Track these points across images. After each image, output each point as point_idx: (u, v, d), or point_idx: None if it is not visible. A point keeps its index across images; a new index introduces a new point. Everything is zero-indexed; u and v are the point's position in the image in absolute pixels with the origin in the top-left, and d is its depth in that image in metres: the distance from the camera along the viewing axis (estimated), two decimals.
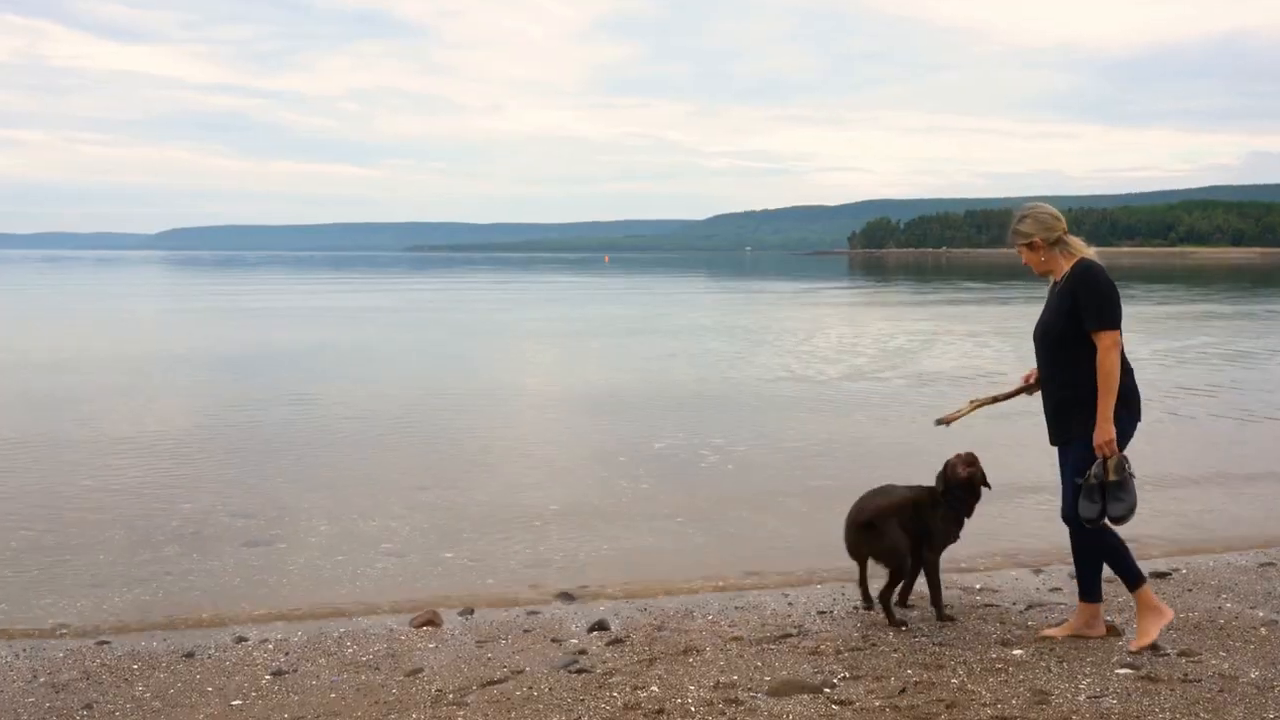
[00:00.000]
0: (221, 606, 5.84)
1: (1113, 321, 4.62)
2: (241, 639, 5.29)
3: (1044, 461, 9.45)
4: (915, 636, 5.04)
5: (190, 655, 5.01)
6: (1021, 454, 9.95)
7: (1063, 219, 4.85)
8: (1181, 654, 4.69)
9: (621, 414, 12.51)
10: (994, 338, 22.13)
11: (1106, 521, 4.68)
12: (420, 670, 4.75)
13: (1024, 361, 17.79)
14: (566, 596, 6.01)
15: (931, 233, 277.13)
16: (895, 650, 4.82)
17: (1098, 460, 4.59)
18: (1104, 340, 4.58)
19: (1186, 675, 4.41)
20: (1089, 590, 4.92)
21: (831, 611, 5.56)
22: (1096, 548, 4.81)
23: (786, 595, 5.97)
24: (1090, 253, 4.81)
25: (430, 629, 5.40)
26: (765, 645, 4.94)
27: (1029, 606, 5.58)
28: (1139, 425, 4.77)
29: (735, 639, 5.06)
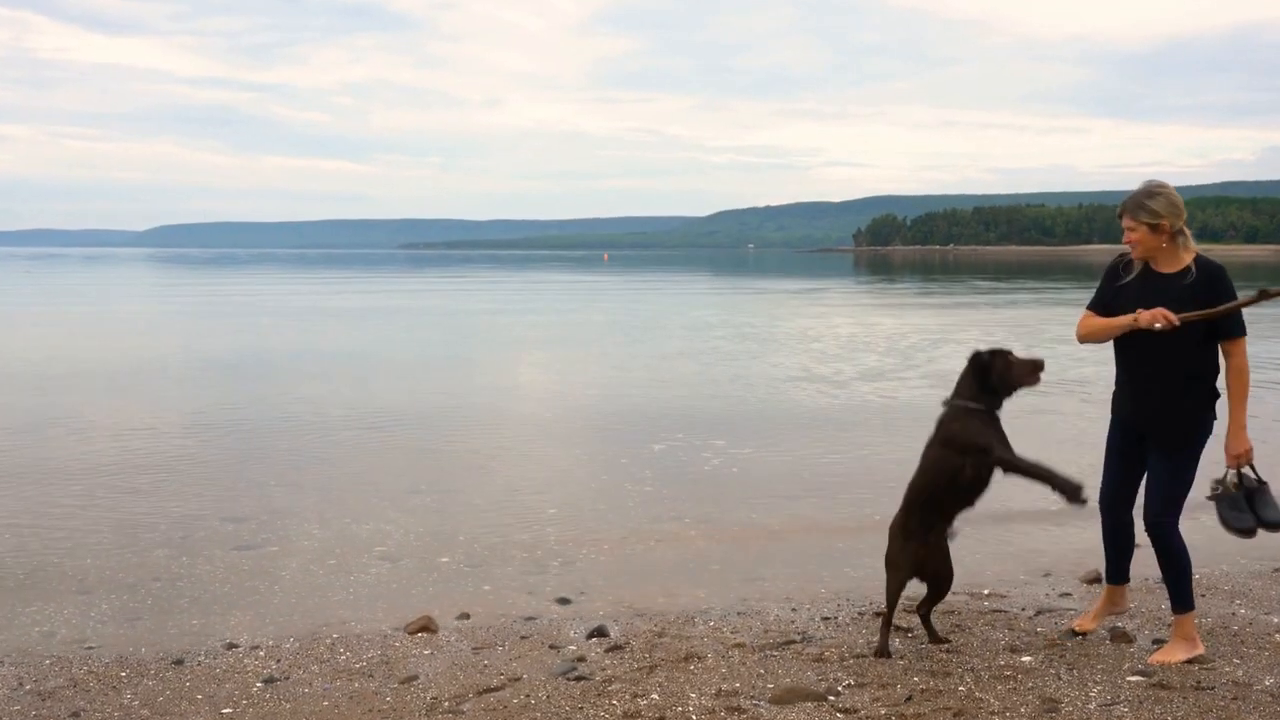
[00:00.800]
0: (211, 612, 5.84)
1: (1242, 328, 4.56)
2: (232, 646, 5.29)
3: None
4: (921, 643, 5.04)
5: (179, 662, 5.01)
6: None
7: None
8: (1193, 660, 4.69)
9: (621, 415, 12.51)
10: (1010, 338, 22.13)
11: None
12: (415, 678, 4.75)
13: (1058, 362, 17.60)
14: (565, 602, 6.01)
15: (939, 229, 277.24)
16: (901, 657, 4.82)
17: (1230, 470, 4.57)
18: (1241, 345, 4.53)
19: (1199, 683, 4.41)
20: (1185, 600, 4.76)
21: (836, 618, 5.56)
22: (1180, 553, 4.74)
23: (790, 601, 5.97)
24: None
25: (425, 635, 5.40)
26: (768, 652, 4.94)
27: (1038, 612, 5.58)
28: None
29: (737, 646, 5.06)
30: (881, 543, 6.40)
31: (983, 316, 29.40)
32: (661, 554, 7.00)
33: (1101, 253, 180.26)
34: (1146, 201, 4.57)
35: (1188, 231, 4.65)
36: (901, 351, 19.46)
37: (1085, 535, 7.36)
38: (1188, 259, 4.62)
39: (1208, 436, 4.61)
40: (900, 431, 11.18)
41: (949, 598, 5.90)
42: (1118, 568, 5.07)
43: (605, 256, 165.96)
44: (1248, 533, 4.61)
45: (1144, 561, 6.75)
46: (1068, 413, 12.38)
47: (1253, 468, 4.60)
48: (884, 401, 13.36)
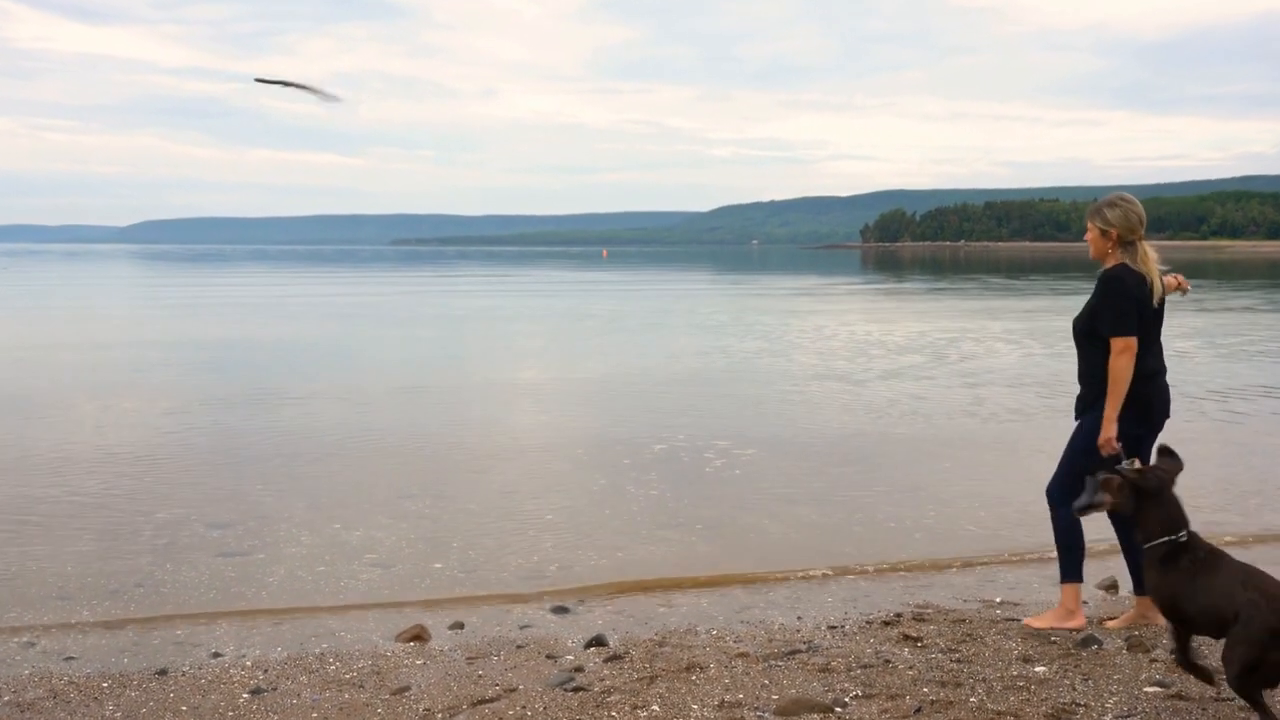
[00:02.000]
0: (196, 621, 5.84)
1: (1123, 329, 5.13)
2: (217, 655, 5.29)
3: (1049, 474, 9.46)
4: (931, 653, 5.04)
5: (163, 673, 5.01)
6: (1048, 463, 9.94)
7: (1145, 224, 5.31)
8: (1214, 670, 4.68)
9: (621, 417, 12.52)
10: (1027, 338, 22.11)
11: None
12: (407, 688, 4.75)
13: (1064, 361, 17.67)
14: (562, 610, 6.01)
15: (949, 225, 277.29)
16: (910, 668, 4.82)
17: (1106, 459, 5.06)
18: (1115, 345, 5.13)
19: (1219, 694, 4.41)
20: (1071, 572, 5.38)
21: (843, 626, 5.57)
22: (1059, 525, 5.38)
23: (795, 609, 5.97)
24: (1151, 268, 5.25)
25: (417, 645, 5.40)
26: (772, 662, 4.95)
27: None
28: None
29: (741, 655, 5.06)
30: (888, 548, 6.42)
31: (1001, 317, 29.39)
32: (662, 560, 7.00)
33: None
34: (1104, 209, 5.29)
35: (1141, 247, 5.27)
36: (912, 350, 19.46)
37: (1100, 544, 7.36)
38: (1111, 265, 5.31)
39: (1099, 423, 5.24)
40: (911, 433, 11.18)
41: (959, 605, 5.92)
42: (1080, 570, 5.45)
43: (604, 253, 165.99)
44: (1080, 511, 4.87)
45: None
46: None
47: (1123, 458, 5.00)
48: (895, 402, 13.36)
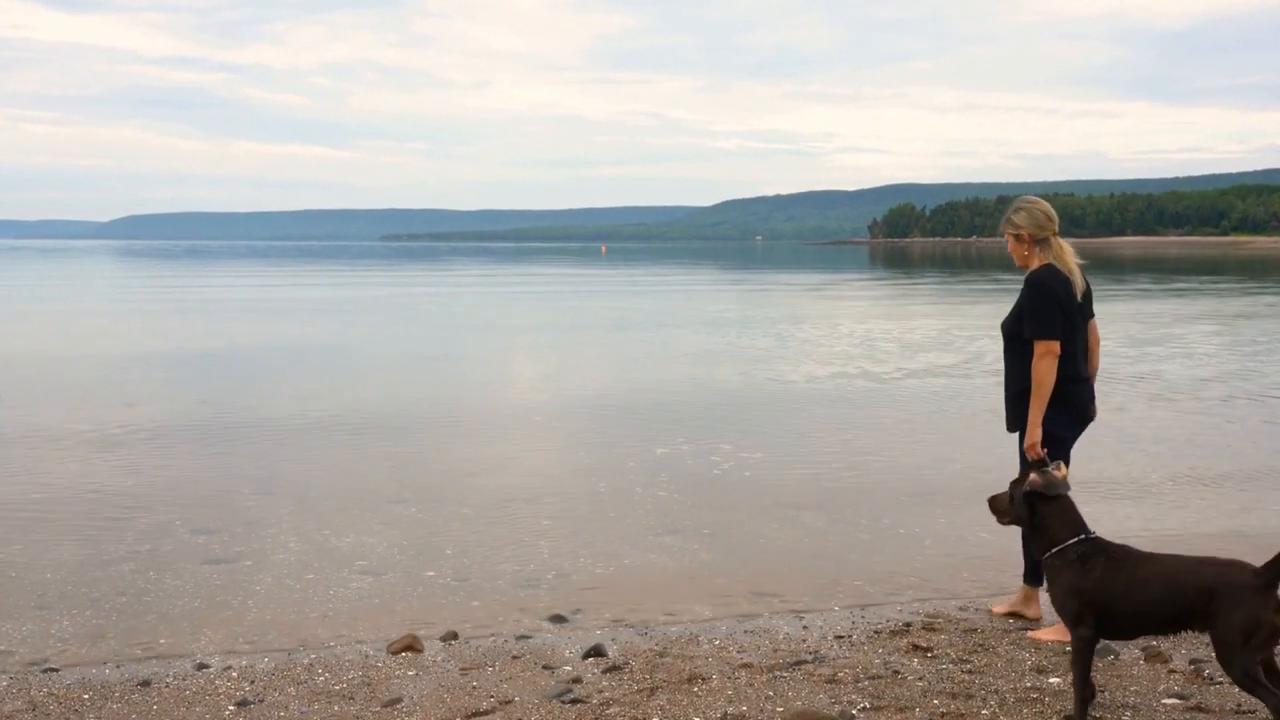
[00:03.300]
0: (180, 630, 5.84)
1: (1047, 332, 5.32)
2: (203, 666, 5.29)
3: (1076, 486, 9.47)
4: (941, 664, 5.05)
5: (146, 684, 5.02)
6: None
7: (1055, 221, 5.50)
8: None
9: (622, 419, 12.52)
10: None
11: None
12: (399, 700, 4.75)
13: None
14: (559, 619, 6.01)
15: (960, 220, 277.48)
16: (920, 679, 4.82)
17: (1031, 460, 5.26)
18: (1038, 349, 5.33)
19: (1240, 706, 4.42)
20: (1033, 573, 5.63)
21: (850, 636, 5.57)
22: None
23: (801, 619, 5.97)
24: (1073, 262, 5.48)
25: (409, 655, 5.40)
26: (777, 673, 4.95)
27: None
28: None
29: (744, 666, 5.07)
30: (895, 554, 6.43)
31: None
32: (663, 567, 7.00)
33: (1135, 245, 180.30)
34: (1011, 216, 5.55)
35: (1056, 242, 5.50)
36: (925, 349, 19.47)
37: None
38: (1037, 266, 5.51)
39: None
40: (922, 436, 11.19)
41: (970, 615, 5.93)
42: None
43: (603, 249, 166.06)
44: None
45: None
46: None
47: (1048, 462, 5.12)
48: (903, 403, 13.36)
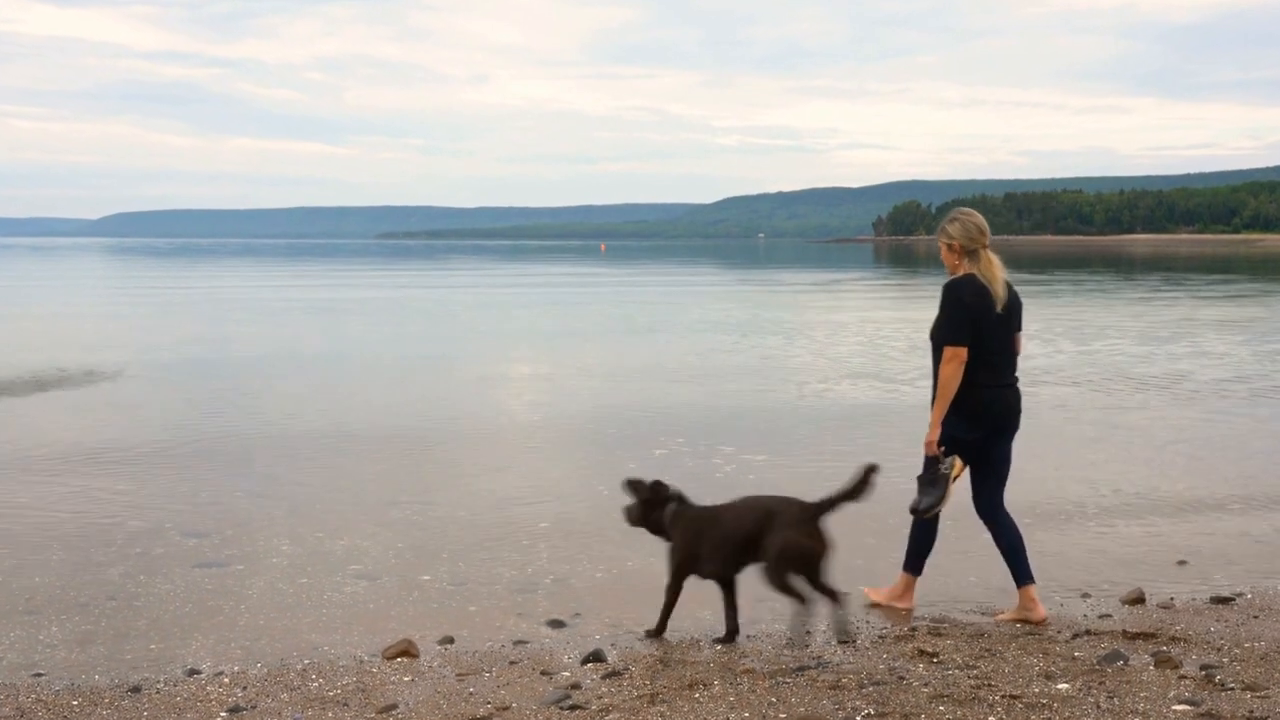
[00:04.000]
0: (171, 636, 5.84)
1: (954, 338, 5.70)
2: (194, 672, 5.29)
3: (1083, 486, 9.47)
4: (947, 669, 5.04)
5: (137, 690, 5.01)
6: (1060, 479, 9.99)
7: (987, 235, 5.85)
8: (1247, 688, 4.69)
9: (622, 420, 12.51)
10: (1063, 339, 22.08)
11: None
12: (394, 707, 4.75)
13: (1089, 361, 17.66)
14: (558, 624, 6.01)
15: None
16: (926, 685, 4.82)
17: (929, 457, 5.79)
18: (945, 353, 5.72)
19: (1252, 712, 4.41)
20: (1023, 574, 5.93)
21: (854, 642, 5.56)
22: (915, 524, 6.08)
23: (803, 623, 5.96)
24: (998, 275, 5.79)
25: (405, 660, 5.40)
26: (780, 679, 4.94)
27: (1076, 635, 5.58)
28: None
29: (746, 672, 5.06)
30: (901, 558, 6.42)
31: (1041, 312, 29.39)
32: (664, 571, 6.98)
33: (1145, 243, 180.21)
34: (946, 225, 5.91)
35: (985, 255, 5.81)
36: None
37: (1126, 552, 7.38)
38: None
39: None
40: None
41: (978, 620, 5.93)
42: (1024, 569, 5.95)
43: (602, 247, 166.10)
44: (915, 512, 5.92)
45: (1183, 579, 6.77)
46: (1165, 412, 12.37)
47: (942, 461, 5.75)
48: (911, 404, 13.35)
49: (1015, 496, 8.79)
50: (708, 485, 9.31)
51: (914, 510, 5.91)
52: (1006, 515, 6.01)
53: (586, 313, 31.17)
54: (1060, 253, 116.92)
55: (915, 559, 6.16)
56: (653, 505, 5.66)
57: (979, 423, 5.82)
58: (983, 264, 5.80)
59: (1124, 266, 70.36)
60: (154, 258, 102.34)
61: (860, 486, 5.36)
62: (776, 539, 5.28)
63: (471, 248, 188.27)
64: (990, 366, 5.78)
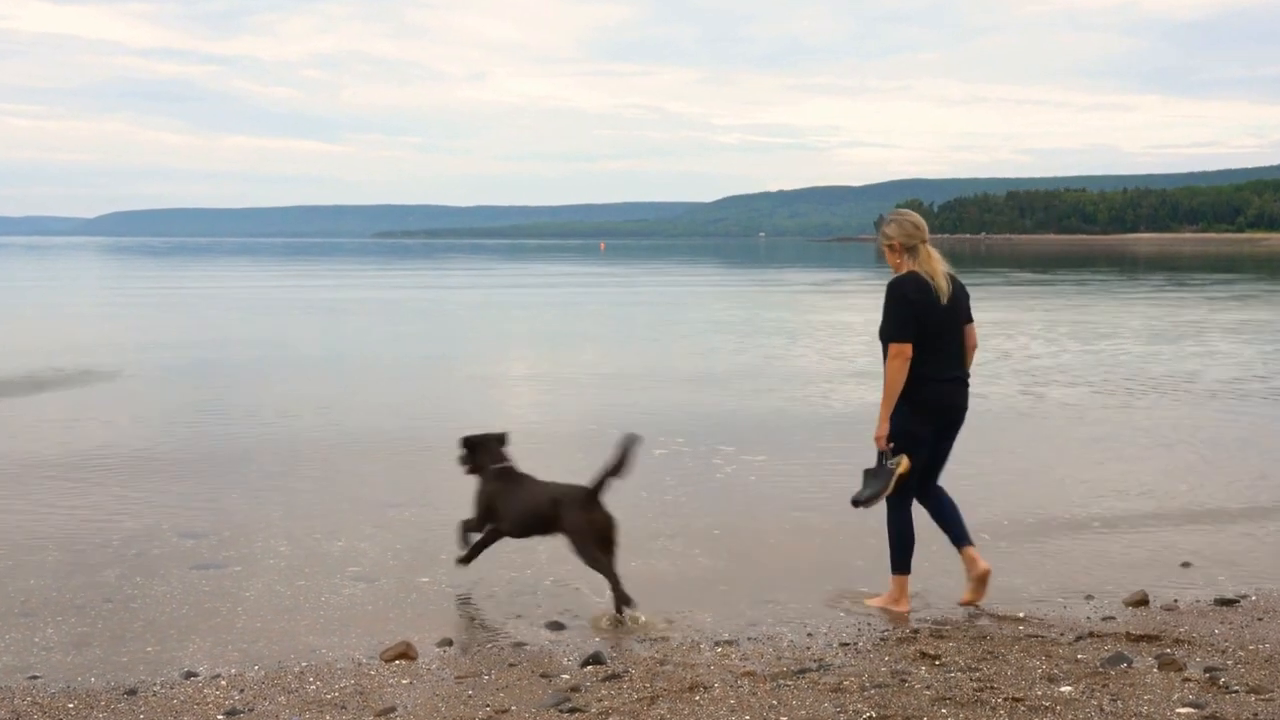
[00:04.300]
0: (168, 638, 5.84)
1: (897, 335, 5.90)
2: (191, 674, 5.29)
3: (1087, 487, 9.47)
4: (950, 672, 5.04)
5: (133, 693, 5.02)
6: (1064, 479, 9.99)
7: (924, 231, 6.06)
8: (1251, 691, 4.69)
9: (623, 420, 12.47)
10: (1069, 339, 22.10)
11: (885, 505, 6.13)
12: (393, 709, 4.75)
13: (1095, 361, 17.63)
14: (557, 627, 6.01)
15: (969, 216, 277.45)
16: (928, 687, 4.82)
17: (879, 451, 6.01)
18: (890, 350, 5.92)
19: (1256, 715, 4.41)
20: (963, 538, 6.24)
21: (856, 644, 5.57)
22: (891, 520, 6.20)
23: (805, 625, 5.97)
24: (939, 268, 6.01)
25: (403, 663, 5.40)
26: (781, 681, 4.95)
27: (1079, 638, 5.58)
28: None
29: (747, 674, 5.07)
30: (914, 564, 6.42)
31: (1048, 310, 29.41)
32: (664, 572, 7.00)
33: (1149, 242, 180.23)
34: (884, 226, 6.15)
35: (924, 250, 6.02)
36: None
37: (1130, 554, 7.38)
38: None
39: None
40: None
41: (979, 622, 5.93)
42: (961, 531, 6.25)
43: (602, 246, 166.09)
44: (856, 503, 6.12)
45: (1187, 581, 6.77)
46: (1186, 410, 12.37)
47: (887, 454, 6.00)
48: None
49: (1019, 497, 8.84)
50: (708, 485, 9.33)
51: (855, 501, 6.10)
52: (939, 488, 6.33)
53: (586, 313, 31.16)
54: (1063, 252, 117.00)
55: (901, 559, 6.24)
56: (481, 460, 6.72)
57: (933, 416, 6.05)
58: (922, 259, 6.02)
59: (1128, 265, 70.37)
60: (150, 257, 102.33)
61: (622, 459, 6.19)
62: (573, 519, 6.11)
63: (469, 247, 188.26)
64: (940, 360, 6.00)
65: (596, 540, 6.07)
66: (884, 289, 6.02)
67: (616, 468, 6.17)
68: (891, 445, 5.97)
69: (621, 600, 5.96)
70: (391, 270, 67.46)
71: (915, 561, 6.28)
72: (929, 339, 5.93)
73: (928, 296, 5.93)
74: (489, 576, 6.88)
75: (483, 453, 6.70)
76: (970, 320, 6.21)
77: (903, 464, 5.96)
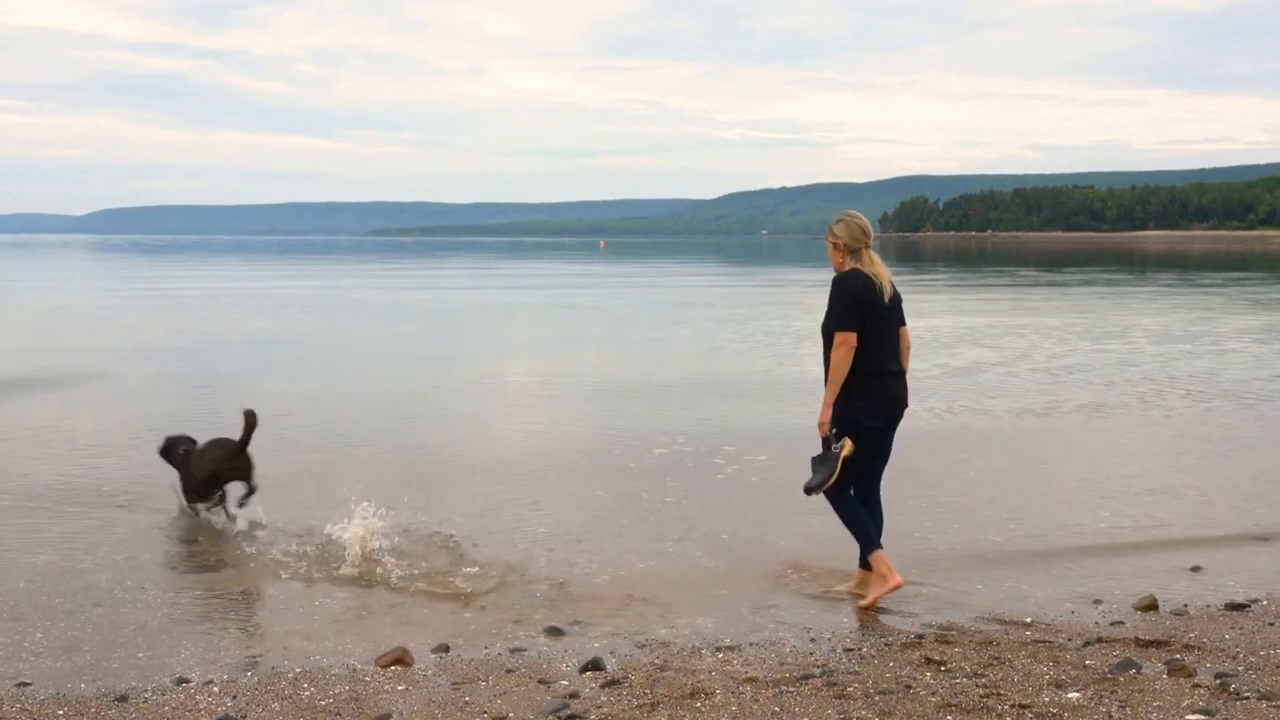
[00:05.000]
0: (159, 643, 5.84)
1: (844, 325, 6.28)
2: (183, 680, 5.29)
3: (1094, 489, 9.47)
4: (956, 678, 5.04)
5: (124, 699, 5.02)
6: (1071, 481, 10.00)
7: (870, 236, 6.48)
8: (1262, 697, 4.69)
9: (623, 421, 12.51)
10: (1077, 337, 22.10)
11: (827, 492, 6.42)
12: (388, 716, 4.75)
13: (1107, 362, 17.57)
14: (556, 632, 6.01)
15: (975, 213, 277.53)
16: (933, 694, 4.82)
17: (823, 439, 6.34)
18: (836, 339, 6.31)
19: None
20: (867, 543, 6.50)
21: (860, 649, 5.57)
22: (838, 511, 6.54)
23: (808, 630, 5.97)
24: (878, 271, 6.41)
25: (399, 669, 5.40)
26: (784, 687, 4.95)
27: (1087, 643, 5.58)
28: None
29: (749, 680, 5.07)
30: (908, 563, 6.41)
31: (1054, 309, 29.41)
32: (665, 576, 7.00)
33: (1158, 240, 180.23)
34: (833, 226, 6.56)
35: (866, 254, 6.44)
36: (940, 347, 19.47)
37: (1138, 559, 7.38)
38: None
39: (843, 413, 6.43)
40: (936, 437, 11.17)
41: (986, 628, 5.93)
42: (875, 537, 6.52)
43: (601, 244, 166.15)
44: (808, 490, 6.43)
45: (1197, 585, 6.77)
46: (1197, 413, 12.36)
47: (833, 442, 6.30)
48: (921, 403, 13.33)
49: (1025, 498, 8.84)
50: (708, 484, 9.33)
51: (807, 488, 6.41)
52: (878, 502, 6.66)
53: (586, 312, 31.15)
54: (1071, 250, 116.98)
55: (866, 539, 6.49)
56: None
57: (881, 409, 6.42)
58: (865, 261, 6.43)
59: (1137, 263, 70.38)
60: (143, 255, 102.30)
61: (248, 429, 8.11)
62: (211, 466, 8.13)
63: (467, 245, 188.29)
64: (883, 355, 6.39)
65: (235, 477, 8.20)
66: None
67: (246, 437, 8.10)
68: (835, 430, 6.30)
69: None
70: (390, 270, 67.44)
71: (921, 563, 6.29)
72: (872, 334, 6.33)
73: (872, 292, 6.35)
74: (486, 581, 6.89)
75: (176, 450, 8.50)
76: (904, 323, 6.60)
77: (846, 446, 6.27)
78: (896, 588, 6.35)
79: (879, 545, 6.46)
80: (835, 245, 6.53)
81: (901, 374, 6.56)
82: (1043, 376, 15.66)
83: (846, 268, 6.45)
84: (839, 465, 6.29)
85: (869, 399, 6.35)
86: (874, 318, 6.35)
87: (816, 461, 6.39)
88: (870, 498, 6.62)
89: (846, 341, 6.28)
